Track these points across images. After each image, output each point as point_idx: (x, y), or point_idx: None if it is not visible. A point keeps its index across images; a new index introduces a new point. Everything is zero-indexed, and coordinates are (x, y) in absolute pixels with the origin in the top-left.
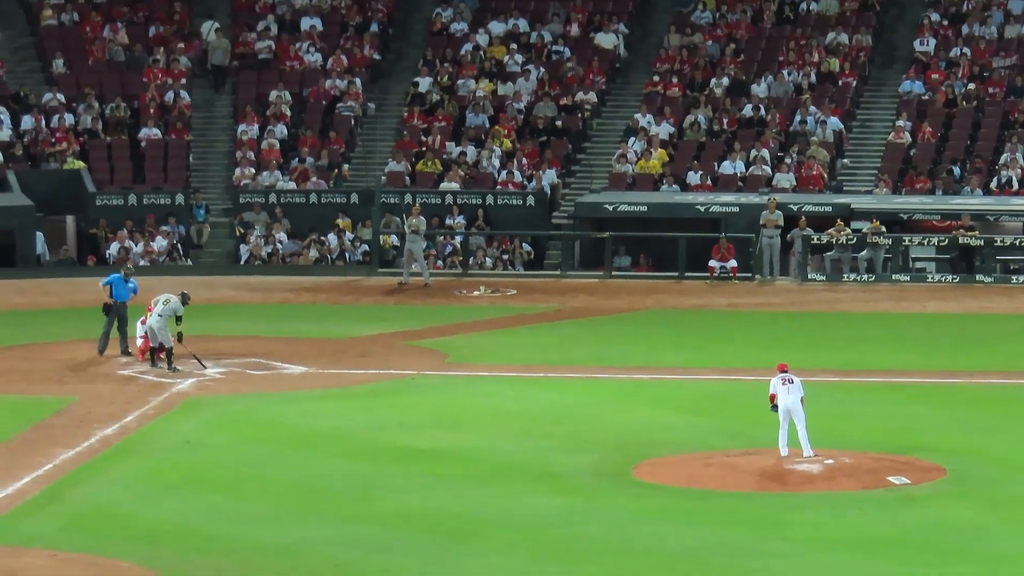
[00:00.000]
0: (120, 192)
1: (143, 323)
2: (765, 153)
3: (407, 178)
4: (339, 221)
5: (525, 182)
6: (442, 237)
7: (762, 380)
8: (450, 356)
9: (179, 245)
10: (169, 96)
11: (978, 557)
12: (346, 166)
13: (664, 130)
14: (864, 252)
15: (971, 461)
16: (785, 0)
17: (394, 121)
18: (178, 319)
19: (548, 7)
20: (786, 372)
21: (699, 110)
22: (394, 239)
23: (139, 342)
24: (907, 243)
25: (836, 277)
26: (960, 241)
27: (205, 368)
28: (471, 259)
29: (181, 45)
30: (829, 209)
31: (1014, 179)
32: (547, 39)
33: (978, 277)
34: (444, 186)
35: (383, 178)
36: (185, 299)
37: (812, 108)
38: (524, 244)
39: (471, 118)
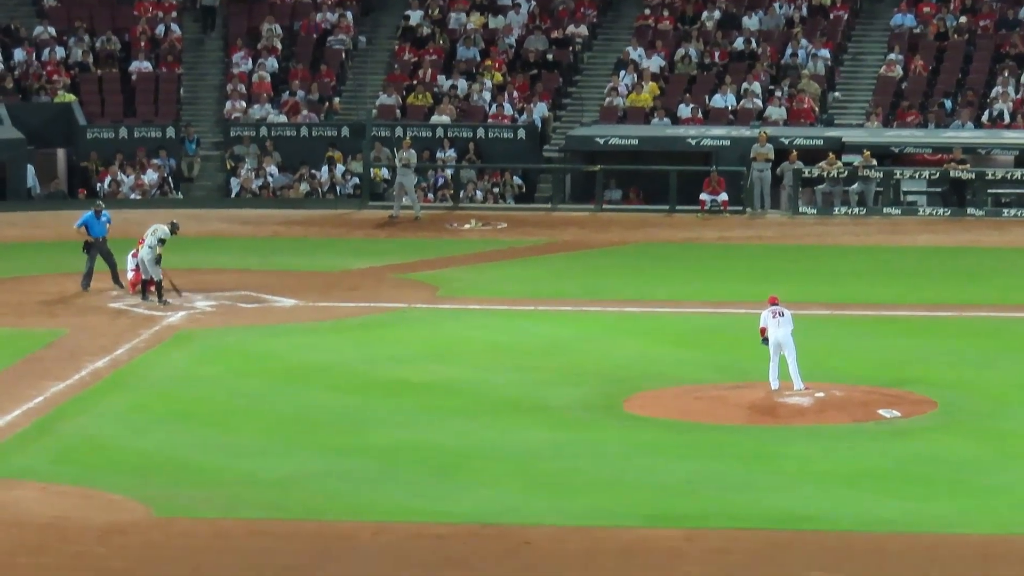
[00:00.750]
0: (111, 125)
1: (134, 256)
2: (756, 86)
3: (398, 111)
4: (337, 154)
5: (516, 115)
6: (433, 170)
7: (753, 313)
8: (441, 289)
9: (170, 178)
10: (160, 29)
11: (969, 489)
12: (337, 99)
13: (655, 63)
14: (855, 185)
15: (962, 394)
16: None
17: (385, 54)
18: (160, 242)
19: None
20: (777, 305)
21: (690, 43)
22: (385, 172)
23: (130, 275)
24: (898, 176)
25: (827, 210)
26: (951, 174)
27: (180, 295)
28: (462, 192)
29: None
30: (820, 142)
31: (1005, 112)
32: None
33: (969, 210)
34: (435, 119)
35: (374, 111)
36: (174, 228)
37: (803, 41)
38: (515, 177)
39: (462, 51)
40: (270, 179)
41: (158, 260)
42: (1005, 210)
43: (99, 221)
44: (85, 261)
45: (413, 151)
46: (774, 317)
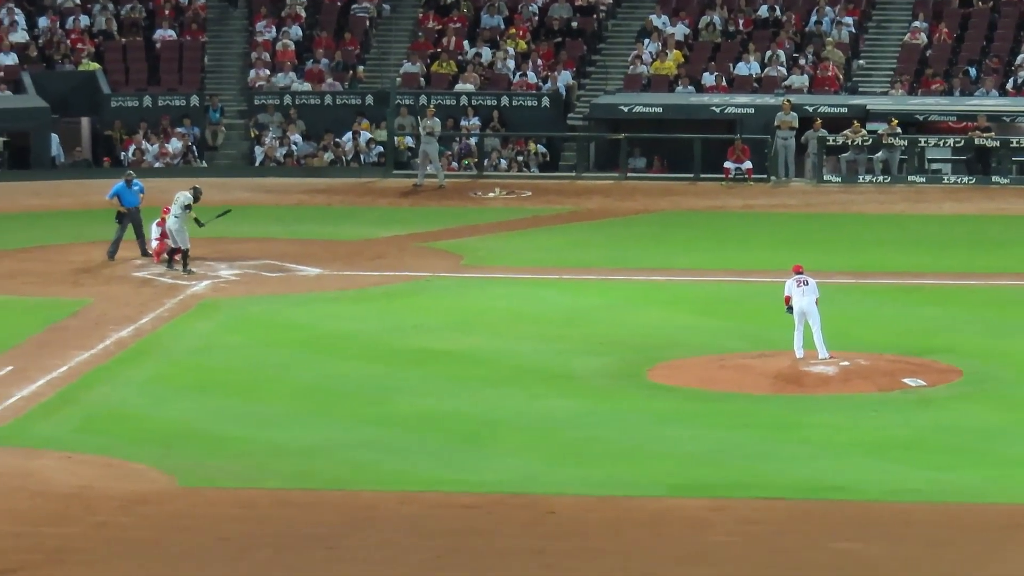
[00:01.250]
0: (135, 94)
1: (159, 224)
2: (780, 54)
3: (422, 79)
4: (364, 123)
5: (540, 83)
6: (457, 139)
7: (777, 282)
8: (465, 258)
9: (194, 147)
10: None
11: (994, 459)
12: (361, 67)
13: (679, 31)
14: (880, 153)
15: (987, 363)
16: None
17: (409, 22)
18: (186, 208)
19: None
20: (801, 274)
21: (714, 11)
22: (409, 140)
23: (154, 244)
24: (923, 144)
25: (852, 178)
26: (976, 142)
27: (230, 211)
28: (486, 161)
29: None
30: (844, 110)
31: None
32: None
33: (994, 178)
34: (459, 87)
35: (398, 79)
36: (197, 194)
37: (828, 9)
38: (539, 146)
39: (486, 19)
40: (294, 147)
41: (197, 222)
42: None
43: (131, 190)
44: (115, 230)
45: (437, 119)
46: (798, 286)
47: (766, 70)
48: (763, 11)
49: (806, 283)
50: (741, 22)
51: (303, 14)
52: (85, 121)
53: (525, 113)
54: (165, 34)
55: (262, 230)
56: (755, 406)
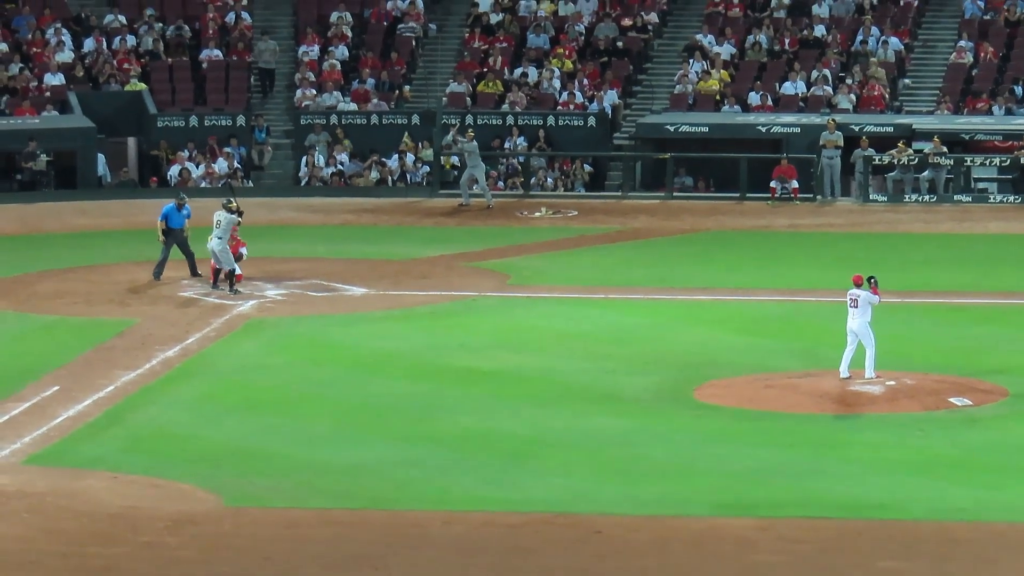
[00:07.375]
0: (181, 113)
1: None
2: (826, 73)
3: (468, 99)
4: (407, 142)
5: (586, 103)
6: (503, 159)
7: (823, 301)
8: (511, 277)
9: (240, 167)
10: (230, 17)
11: None
12: (407, 87)
13: (725, 50)
14: (926, 173)
15: None
16: None
17: (455, 42)
18: (228, 224)
19: None
20: (856, 288)
21: (760, 30)
22: (455, 160)
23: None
24: (969, 163)
25: (898, 198)
26: (1022, 161)
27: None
28: (532, 180)
29: None
30: (890, 130)
31: None
32: None
33: None
34: (505, 107)
35: (444, 99)
36: (227, 206)
37: (874, 28)
38: (585, 165)
39: (532, 39)
40: (340, 167)
41: (237, 218)
42: None
43: (179, 213)
44: (161, 251)
45: (475, 141)
46: (852, 306)
47: (812, 89)
48: (809, 31)
49: (856, 304)
50: (787, 41)
51: (349, 34)
52: (131, 141)
53: (571, 132)
54: (211, 54)
55: (308, 250)
56: (801, 425)
